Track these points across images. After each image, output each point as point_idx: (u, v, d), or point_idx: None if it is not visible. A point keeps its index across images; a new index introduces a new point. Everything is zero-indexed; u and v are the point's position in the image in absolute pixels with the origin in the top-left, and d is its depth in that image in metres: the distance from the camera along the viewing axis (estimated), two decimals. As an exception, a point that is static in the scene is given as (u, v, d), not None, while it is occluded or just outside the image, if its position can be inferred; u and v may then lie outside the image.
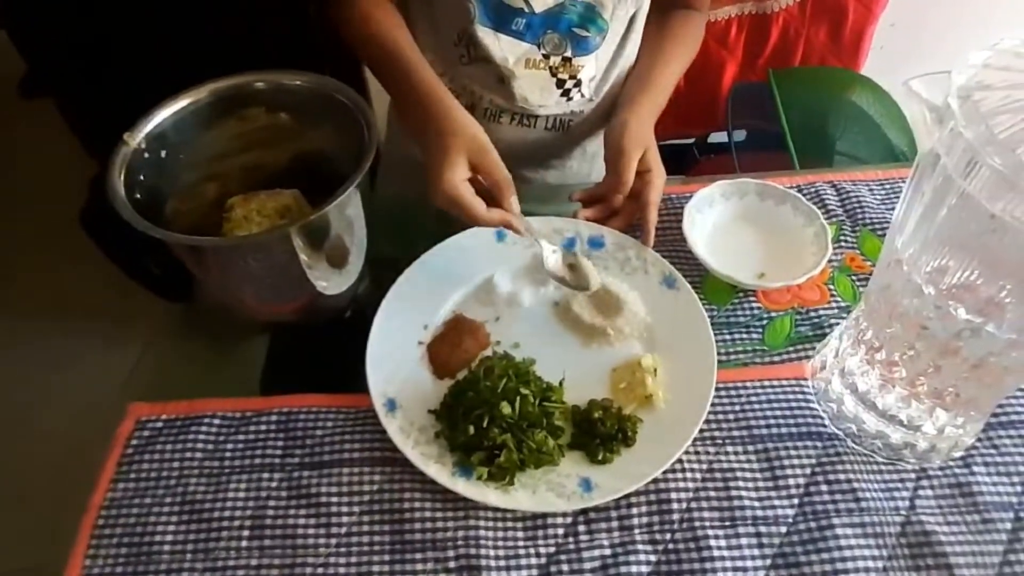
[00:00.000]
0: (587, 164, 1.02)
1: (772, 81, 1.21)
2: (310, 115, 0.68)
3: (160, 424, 0.69)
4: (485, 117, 0.91)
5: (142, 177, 0.62)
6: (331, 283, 0.67)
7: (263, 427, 0.69)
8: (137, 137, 0.62)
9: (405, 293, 0.76)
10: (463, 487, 0.63)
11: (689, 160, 1.46)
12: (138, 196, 0.60)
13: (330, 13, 0.82)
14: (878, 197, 0.88)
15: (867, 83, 1.23)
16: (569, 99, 0.91)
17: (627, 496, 0.63)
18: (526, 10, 0.83)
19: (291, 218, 0.68)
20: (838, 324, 0.75)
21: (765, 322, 0.77)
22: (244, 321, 0.77)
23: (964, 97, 0.44)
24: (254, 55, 0.81)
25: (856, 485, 0.63)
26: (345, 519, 0.63)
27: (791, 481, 0.64)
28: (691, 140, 1.49)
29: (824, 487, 0.63)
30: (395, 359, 0.71)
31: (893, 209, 0.86)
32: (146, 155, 0.63)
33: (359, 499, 0.64)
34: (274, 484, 0.65)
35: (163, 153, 0.64)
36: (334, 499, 0.64)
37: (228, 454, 0.67)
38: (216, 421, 0.69)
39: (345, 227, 0.64)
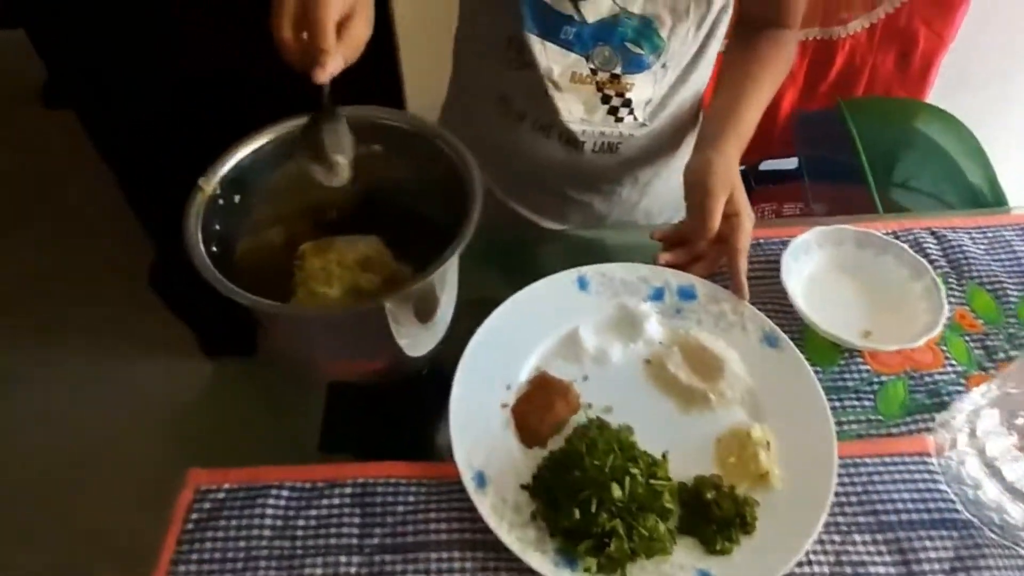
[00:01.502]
0: (638, 192, 0.96)
1: (844, 111, 1.15)
2: (400, 151, 0.61)
3: (222, 495, 0.62)
4: (534, 129, 0.86)
5: (217, 227, 0.55)
6: (418, 344, 0.61)
7: (336, 501, 0.62)
8: (212, 182, 0.55)
9: (484, 349, 0.69)
10: (568, 580, 0.56)
11: (744, 188, 1.40)
12: (214, 249, 0.53)
13: None
14: (981, 247, 0.82)
15: (944, 116, 1.17)
16: (618, 120, 0.85)
17: (750, 593, 0.57)
18: (576, 19, 0.77)
19: (374, 271, 0.61)
20: (956, 391, 0.69)
21: (876, 387, 0.70)
22: (312, 378, 0.70)
23: None
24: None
25: (1003, 584, 0.57)
26: (436, 612, 0.56)
27: (929, 577, 0.58)
28: (743, 167, 1.43)
29: (967, 585, 0.57)
30: (479, 425, 0.65)
31: (999, 261, 0.81)
32: (221, 201, 0.56)
33: (450, 589, 0.57)
34: (353, 569, 0.59)
35: (237, 198, 0.58)
36: (422, 589, 0.57)
37: (300, 532, 0.60)
38: (284, 493, 0.62)
39: (441, 284, 0.57)
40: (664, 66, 0.82)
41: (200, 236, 0.52)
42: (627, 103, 0.83)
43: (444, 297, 0.59)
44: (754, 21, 0.88)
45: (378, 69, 0.95)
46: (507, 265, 0.81)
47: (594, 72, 0.80)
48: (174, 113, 1.42)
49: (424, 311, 0.57)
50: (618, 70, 0.80)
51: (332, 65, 0.52)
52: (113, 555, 0.71)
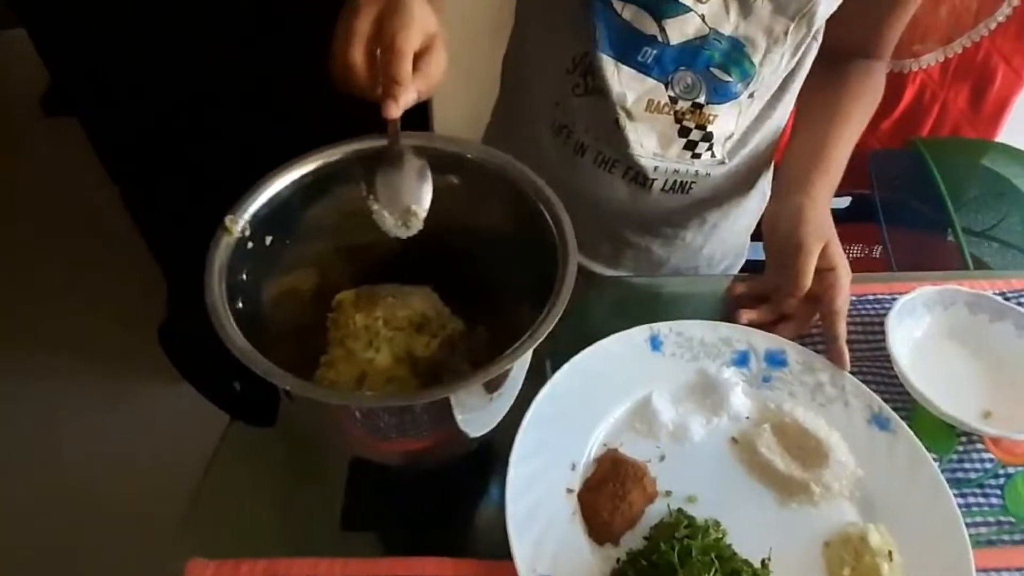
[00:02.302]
0: (703, 236, 0.86)
1: (923, 152, 1.06)
2: (480, 189, 0.51)
3: (230, 594, 0.51)
4: (596, 163, 0.76)
5: (244, 276, 0.45)
6: (479, 423, 0.50)
7: (368, 605, 0.51)
8: (240, 222, 0.45)
9: (545, 421, 0.59)
10: None
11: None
12: (240, 306, 0.43)
13: None
14: (1104, 315, 0.72)
15: (1025, 159, 1.08)
16: (695, 156, 0.75)
17: None
18: (659, 39, 0.67)
19: (431, 333, 0.51)
20: (1097, 489, 0.59)
21: (1003, 481, 0.60)
22: (332, 449, 0.59)
23: None
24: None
25: None
26: None
27: None
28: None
29: None
30: (541, 517, 0.54)
31: None
32: (250, 245, 0.46)
33: None
34: None
35: (268, 239, 0.48)
36: None
37: (324, 646, 0.50)
38: (305, 593, 0.52)
39: (519, 365, 0.47)
40: (751, 96, 0.72)
41: (225, 293, 0.42)
42: (707, 137, 0.73)
43: (517, 372, 0.49)
44: (843, 51, 0.78)
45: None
46: (571, 323, 0.71)
47: (673, 100, 0.71)
48: (184, 125, 1.33)
49: (494, 386, 0.47)
50: (701, 99, 0.70)
51: (405, 98, 0.46)
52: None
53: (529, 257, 0.46)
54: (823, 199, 0.70)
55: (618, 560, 0.53)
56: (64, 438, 1.16)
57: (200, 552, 0.53)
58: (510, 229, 0.50)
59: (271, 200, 0.47)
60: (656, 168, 0.74)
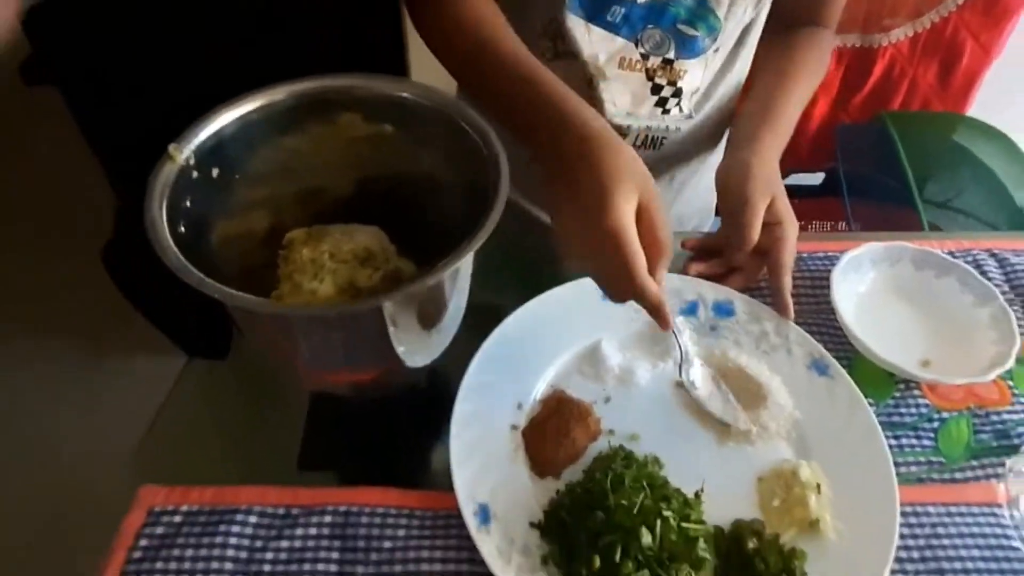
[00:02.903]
0: (672, 194, 0.88)
1: (888, 124, 1.08)
2: (413, 130, 0.52)
3: (179, 518, 0.53)
4: None
5: (188, 203, 0.46)
6: (418, 353, 0.52)
7: (313, 531, 0.53)
8: (185, 150, 0.47)
9: (494, 361, 0.61)
10: (585, 641, 0.47)
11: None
12: (182, 229, 0.45)
13: (420, 13, 0.66)
14: (1049, 273, 0.74)
15: (992, 133, 1.10)
16: (665, 111, 0.76)
17: (799, 665, 0.48)
18: None
19: (374, 266, 0.52)
20: (1029, 434, 0.61)
21: (936, 425, 0.62)
22: (294, 387, 0.61)
23: None
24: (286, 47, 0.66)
25: (1093, 664, 0.49)
26: (425, 673, 0.47)
27: (1008, 654, 0.49)
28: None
29: (1051, 663, 0.49)
30: (485, 451, 0.56)
31: (1069, 289, 0.73)
32: (194, 174, 0.47)
33: (442, 644, 0.48)
34: (328, 615, 0.49)
35: (215, 172, 0.49)
36: (409, 641, 0.48)
37: (267, 567, 0.51)
38: (252, 519, 0.53)
39: (452, 290, 0.49)
40: (716, 51, 0.74)
41: (165, 213, 0.43)
42: (677, 92, 0.75)
43: (453, 301, 0.50)
44: (791, 17, 0.80)
45: (383, 56, 0.86)
46: (525, 273, 0.72)
47: (645, 57, 0.72)
48: (171, 98, 1.33)
49: (429, 315, 0.48)
50: (671, 54, 0.72)
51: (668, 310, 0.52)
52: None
53: (472, 196, 0.48)
54: (771, 156, 0.72)
55: (557, 492, 0.55)
56: (35, 413, 1.16)
57: (153, 482, 0.55)
58: (452, 169, 0.51)
59: (217, 133, 0.48)
60: (629, 127, 0.76)
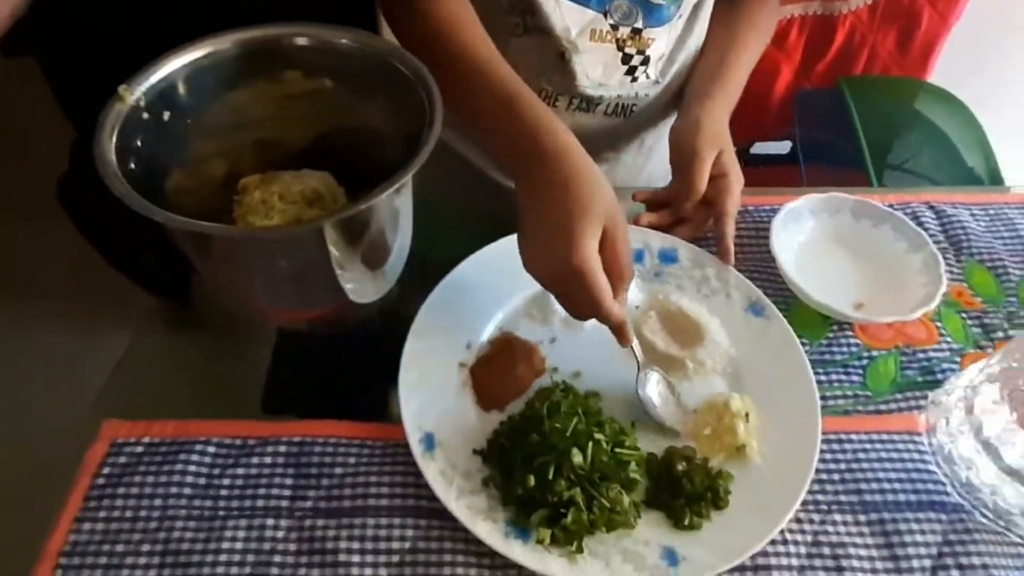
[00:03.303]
0: (643, 158, 0.90)
1: (844, 89, 1.10)
2: (356, 82, 0.55)
3: (140, 449, 0.56)
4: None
5: (138, 143, 0.49)
6: (364, 288, 0.55)
7: (268, 460, 0.56)
8: (136, 92, 0.49)
9: (444, 305, 0.64)
10: (519, 552, 0.50)
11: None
12: (132, 166, 0.47)
13: (395, 16, 0.65)
14: (982, 224, 0.77)
15: (944, 97, 1.12)
16: (634, 79, 0.79)
17: (719, 574, 0.51)
18: None
19: (322, 207, 0.55)
20: (950, 369, 0.64)
21: (866, 362, 0.65)
22: (250, 326, 0.64)
23: None
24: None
25: (994, 572, 0.52)
26: (369, 584, 0.50)
27: (915, 563, 0.53)
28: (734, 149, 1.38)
29: (955, 572, 0.52)
30: (433, 385, 0.59)
31: (1001, 238, 0.76)
32: (145, 115, 0.50)
33: (387, 559, 0.52)
34: (280, 534, 0.52)
35: (166, 115, 0.51)
36: (355, 557, 0.51)
37: (224, 492, 0.54)
38: (211, 449, 0.56)
39: (391, 223, 0.51)
40: (680, 16, 0.76)
41: (115, 149, 0.46)
42: (645, 60, 0.77)
43: (394, 237, 0.53)
44: None
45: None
46: (483, 231, 0.75)
47: (615, 28, 0.74)
48: (134, 35, 1.33)
49: (371, 251, 0.51)
50: (639, 23, 0.74)
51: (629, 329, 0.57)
52: (12, 516, 0.64)
53: (413, 140, 0.50)
54: (719, 114, 0.75)
55: (501, 423, 0.58)
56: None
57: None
58: (393, 115, 0.53)
59: (167, 77, 0.51)
60: (601, 96, 0.78)
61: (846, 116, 1.09)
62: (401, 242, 0.55)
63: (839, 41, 1.20)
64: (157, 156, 0.52)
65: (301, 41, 0.53)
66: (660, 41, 0.77)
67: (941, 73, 1.22)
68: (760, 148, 1.40)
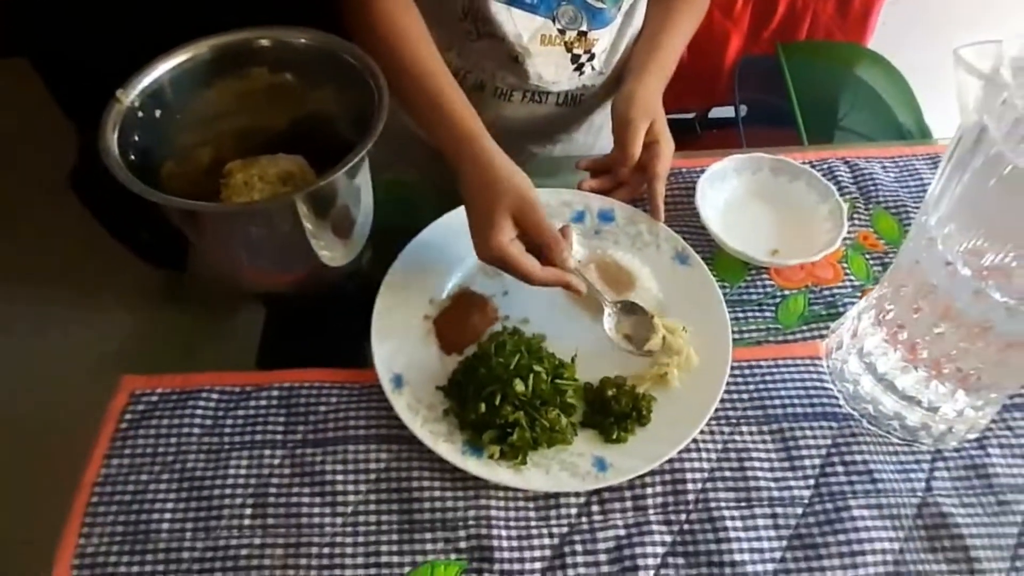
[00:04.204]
0: (592, 136, 0.99)
1: (780, 55, 1.18)
2: (315, 76, 0.64)
3: (155, 398, 0.66)
4: (496, 96, 0.88)
5: (136, 138, 0.58)
6: (335, 254, 0.64)
7: (263, 403, 0.66)
8: (131, 95, 0.58)
9: (409, 266, 0.73)
10: (474, 466, 0.61)
11: (691, 135, 1.43)
12: (132, 158, 0.56)
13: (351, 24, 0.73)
14: (891, 175, 0.86)
15: (877, 59, 1.20)
16: (582, 73, 0.87)
17: (641, 476, 0.61)
18: None
19: (295, 185, 0.64)
20: (851, 303, 0.74)
21: (778, 300, 0.75)
22: (241, 292, 0.73)
23: (1019, 68, 0.42)
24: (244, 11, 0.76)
25: (872, 467, 0.62)
26: (351, 498, 0.61)
27: (807, 462, 0.63)
28: (692, 115, 1.47)
29: (840, 468, 0.62)
30: (401, 334, 0.69)
31: (907, 187, 0.85)
32: (140, 114, 0.59)
33: (365, 477, 0.62)
34: (276, 461, 0.63)
35: (157, 112, 0.61)
36: (339, 477, 0.62)
37: (228, 430, 0.65)
38: (214, 396, 0.66)
39: (352, 196, 0.61)
40: (621, 12, 0.84)
41: (116, 143, 0.55)
42: (592, 57, 0.85)
43: (358, 209, 0.63)
44: None
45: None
46: (443, 202, 0.84)
47: (562, 32, 0.82)
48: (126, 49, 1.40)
49: (339, 222, 0.61)
50: (584, 27, 0.82)
51: (576, 279, 0.66)
52: (48, 457, 0.75)
53: (365, 121, 0.59)
54: (654, 85, 0.83)
55: (458, 363, 0.68)
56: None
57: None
58: (348, 103, 0.62)
59: (156, 80, 0.60)
60: (550, 91, 0.87)
61: (785, 80, 1.17)
62: (364, 211, 0.64)
63: (782, 9, 1.27)
64: (152, 148, 0.61)
65: (265, 42, 0.62)
66: (603, 40, 0.85)
67: (882, 38, 1.30)
68: (718, 112, 1.48)
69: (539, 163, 0.97)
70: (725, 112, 1.46)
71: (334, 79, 0.63)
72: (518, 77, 0.85)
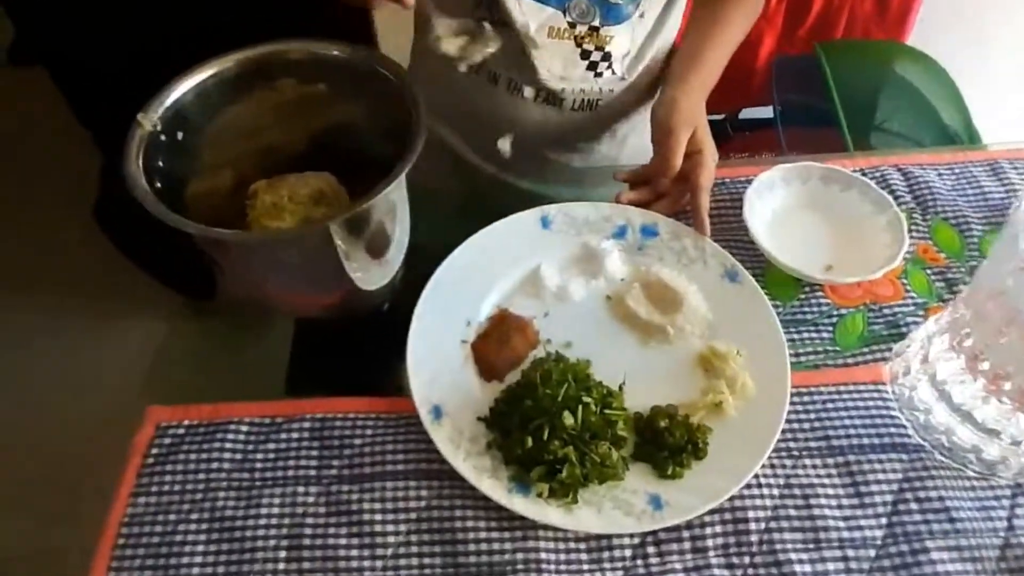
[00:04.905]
0: (616, 148, 0.95)
1: (820, 54, 1.14)
2: (345, 88, 0.60)
3: (182, 431, 0.63)
4: (509, 90, 0.84)
5: (160, 163, 0.54)
6: (370, 277, 0.61)
7: (295, 435, 0.63)
8: (152, 118, 0.54)
9: (444, 287, 0.70)
10: (521, 505, 0.57)
11: (722, 137, 1.38)
12: (158, 185, 0.53)
13: None
14: (948, 183, 0.82)
15: (920, 57, 1.15)
16: (598, 75, 0.83)
17: (699, 515, 0.58)
18: None
19: (327, 205, 0.61)
20: (914, 322, 0.70)
21: (835, 320, 0.71)
22: (269, 316, 0.70)
23: None
24: (260, 22, 0.73)
25: (949, 503, 0.58)
26: (391, 539, 0.57)
27: (877, 499, 0.59)
28: (721, 116, 1.42)
29: (914, 505, 0.58)
30: (438, 360, 0.65)
31: (965, 197, 0.80)
32: (162, 138, 0.55)
33: (405, 516, 0.58)
34: (311, 499, 0.59)
35: (180, 135, 0.57)
36: (378, 516, 0.58)
37: (259, 464, 0.61)
38: (244, 428, 0.63)
39: (389, 217, 0.57)
40: (642, 16, 0.80)
41: (142, 170, 0.51)
42: (606, 57, 0.81)
43: (394, 229, 0.59)
44: None
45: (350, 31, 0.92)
46: (473, 216, 0.80)
47: (572, 26, 0.78)
48: (153, 69, 1.38)
49: (374, 243, 0.57)
50: (596, 22, 0.78)
51: None
52: (74, 492, 0.72)
53: (401, 138, 0.56)
54: (696, 93, 0.79)
55: (500, 392, 0.64)
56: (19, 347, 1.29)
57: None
58: (380, 116, 0.59)
59: (178, 100, 0.56)
60: (563, 89, 0.82)
61: (824, 80, 1.12)
62: (400, 232, 0.61)
63: (818, 6, 1.22)
64: (176, 171, 0.57)
65: (294, 55, 0.59)
66: (621, 39, 0.81)
67: (920, 35, 1.25)
68: (748, 113, 1.44)
69: (560, 171, 0.93)
70: (756, 113, 1.41)
71: (366, 92, 0.59)
72: (527, 70, 0.81)
